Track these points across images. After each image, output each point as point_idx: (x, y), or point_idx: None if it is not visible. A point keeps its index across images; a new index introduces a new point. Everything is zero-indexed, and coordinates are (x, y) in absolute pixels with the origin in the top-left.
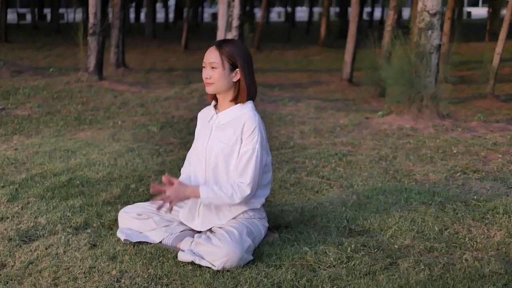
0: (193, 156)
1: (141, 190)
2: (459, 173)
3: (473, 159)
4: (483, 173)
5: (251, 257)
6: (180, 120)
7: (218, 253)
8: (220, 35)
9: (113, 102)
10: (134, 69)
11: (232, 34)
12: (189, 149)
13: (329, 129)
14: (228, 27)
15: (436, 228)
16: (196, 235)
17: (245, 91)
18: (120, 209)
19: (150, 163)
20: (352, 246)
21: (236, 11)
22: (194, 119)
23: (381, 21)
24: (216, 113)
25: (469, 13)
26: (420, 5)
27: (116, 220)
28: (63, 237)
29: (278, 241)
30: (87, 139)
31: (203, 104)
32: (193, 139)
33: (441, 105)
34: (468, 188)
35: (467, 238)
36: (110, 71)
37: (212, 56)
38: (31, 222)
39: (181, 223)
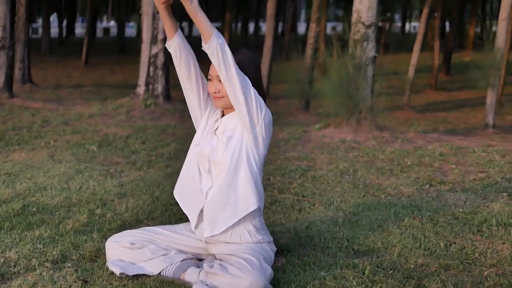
0: (193, 154)
1: (109, 216)
2: (427, 186)
3: (431, 170)
4: (450, 185)
5: (271, 286)
6: (116, 138)
7: (239, 284)
8: (145, 48)
9: (33, 121)
10: (41, 86)
11: (158, 47)
12: (140, 168)
13: (271, 143)
14: (154, 40)
15: (442, 244)
16: (204, 264)
17: None
18: (96, 238)
19: (107, 185)
20: (368, 267)
21: (161, 23)
22: (130, 136)
23: (275, 36)
24: (220, 118)
25: None
26: (354, 16)
27: (98, 250)
28: (44, 273)
29: (288, 266)
30: (25, 161)
31: (131, 120)
32: (138, 158)
33: (379, 117)
34: (445, 200)
35: (476, 254)
36: (16, 88)
37: None
38: (0, 258)
39: (180, 251)
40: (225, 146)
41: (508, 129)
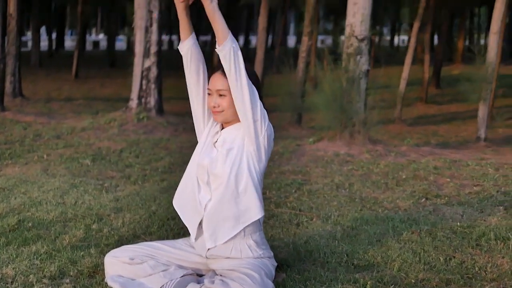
0: (193, 165)
1: (106, 231)
2: (423, 199)
3: (426, 184)
4: (446, 198)
5: None
6: (109, 152)
7: None
8: (137, 62)
9: (25, 135)
10: (32, 99)
11: (151, 61)
12: (134, 182)
13: None
14: (146, 53)
15: (441, 259)
16: (205, 280)
17: None
18: (94, 253)
19: (102, 200)
20: (369, 282)
21: (154, 36)
22: (124, 150)
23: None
24: (220, 130)
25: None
26: (348, 30)
27: (96, 266)
28: None
29: (289, 281)
30: (19, 176)
31: (124, 134)
32: (133, 172)
33: (372, 130)
34: (442, 214)
35: (476, 268)
36: (7, 101)
37: (219, 82)
38: None
39: (180, 266)
40: (225, 158)
41: (500, 142)
